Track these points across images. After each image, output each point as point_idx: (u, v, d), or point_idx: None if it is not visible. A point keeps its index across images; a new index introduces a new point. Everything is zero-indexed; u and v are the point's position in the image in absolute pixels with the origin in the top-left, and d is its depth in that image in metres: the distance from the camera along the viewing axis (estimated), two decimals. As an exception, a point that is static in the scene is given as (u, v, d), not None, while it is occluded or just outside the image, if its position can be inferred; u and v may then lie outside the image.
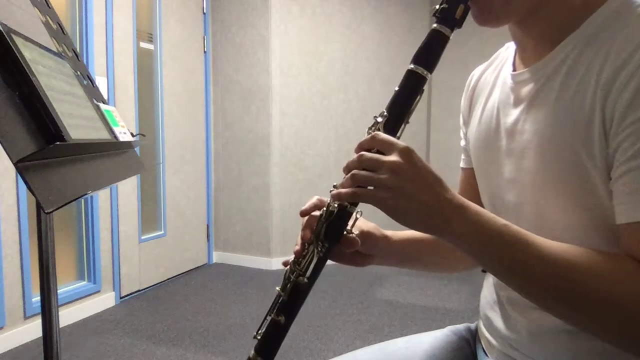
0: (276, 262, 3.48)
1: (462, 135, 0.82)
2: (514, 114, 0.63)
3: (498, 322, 0.69)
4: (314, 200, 0.64)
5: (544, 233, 0.53)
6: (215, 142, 3.62)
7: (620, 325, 0.47)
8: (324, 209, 0.59)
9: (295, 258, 0.60)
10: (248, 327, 2.41)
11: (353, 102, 3.63)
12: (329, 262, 0.61)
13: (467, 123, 0.79)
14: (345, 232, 0.60)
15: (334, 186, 0.56)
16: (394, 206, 0.50)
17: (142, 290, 2.95)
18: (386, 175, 0.50)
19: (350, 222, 0.59)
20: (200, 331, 2.36)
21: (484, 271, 0.82)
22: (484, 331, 0.75)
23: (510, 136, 0.63)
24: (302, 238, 0.61)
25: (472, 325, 0.83)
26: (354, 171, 0.52)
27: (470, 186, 0.77)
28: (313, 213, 0.63)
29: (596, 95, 0.51)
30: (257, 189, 3.50)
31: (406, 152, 0.51)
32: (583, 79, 0.53)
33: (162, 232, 3.17)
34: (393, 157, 0.51)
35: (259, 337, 0.61)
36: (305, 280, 0.59)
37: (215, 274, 3.38)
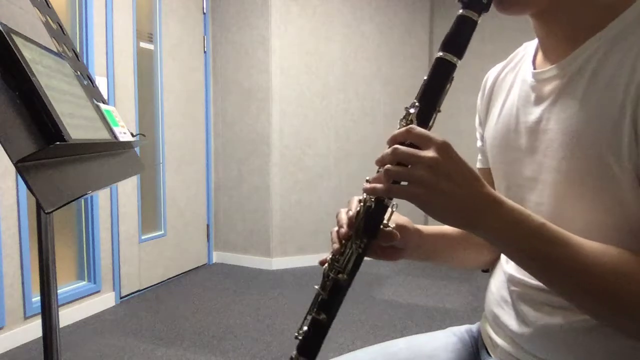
0: (276, 262, 3.48)
1: (478, 136, 0.82)
2: (535, 112, 0.62)
3: (506, 319, 0.69)
4: (354, 203, 0.63)
5: None
6: (215, 142, 3.61)
7: None
8: (361, 204, 0.59)
9: (333, 255, 0.60)
10: (248, 327, 2.41)
11: (353, 102, 3.63)
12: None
13: (483, 124, 0.78)
14: (382, 226, 0.60)
15: (367, 180, 0.56)
16: (430, 202, 0.50)
17: (142, 290, 2.95)
18: (423, 171, 0.49)
19: (387, 216, 0.59)
20: (200, 331, 2.36)
21: (484, 271, 0.82)
22: (488, 330, 0.74)
23: (532, 135, 0.63)
24: (339, 235, 0.61)
25: (473, 326, 0.83)
26: (388, 166, 0.52)
27: None
28: (344, 210, 0.63)
29: (628, 96, 0.50)
30: (257, 189, 3.50)
31: (444, 148, 0.50)
32: (613, 79, 0.52)
33: (162, 232, 3.17)
34: (430, 153, 0.50)
35: (300, 337, 0.61)
36: (345, 277, 0.59)
37: (215, 274, 3.38)
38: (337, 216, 0.64)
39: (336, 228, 0.63)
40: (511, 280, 0.69)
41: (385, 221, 0.59)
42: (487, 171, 0.78)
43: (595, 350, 0.57)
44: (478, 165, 0.82)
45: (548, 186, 0.60)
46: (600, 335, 0.56)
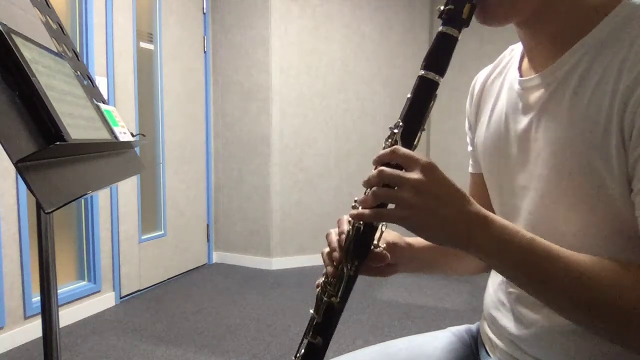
0: (276, 262, 3.48)
1: (468, 141, 0.81)
2: (524, 120, 0.62)
3: (504, 321, 0.69)
4: (344, 224, 0.63)
5: (556, 240, 0.53)
6: (215, 142, 3.61)
7: None
8: (350, 226, 0.59)
9: (326, 278, 0.61)
10: (248, 327, 2.41)
11: (353, 102, 3.63)
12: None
13: (473, 129, 0.78)
14: (372, 247, 0.60)
15: (355, 201, 0.56)
16: (418, 223, 0.50)
17: (142, 290, 2.95)
18: (409, 193, 0.49)
19: (377, 235, 0.59)
20: (200, 331, 2.36)
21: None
22: (487, 331, 0.74)
23: (522, 143, 0.62)
24: (332, 258, 0.62)
25: (473, 326, 0.83)
26: (375, 189, 0.52)
27: (480, 192, 0.77)
28: (334, 231, 0.64)
29: (614, 104, 0.50)
30: (257, 189, 3.50)
31: (429, 169, 0.50)
32: (598, 86, 0.52)
33: (162, 232, 3.17)
34: (415, 175, 0.50)
35: None
36: (338, 300, 0.59)
37: (215, 274, 3.38)
38: (327, 237, 0.65)
39: (327, 249, 0.64)
40: (509, 283, 0.69)
41: (375, 241, 0.60)
42: (479, 176, 0.77)
43: (594, 352, 0.57)
44: (470, 170, 0.81)
45: (540, 195, 0.60)
46: (599, 337, 0.56)
